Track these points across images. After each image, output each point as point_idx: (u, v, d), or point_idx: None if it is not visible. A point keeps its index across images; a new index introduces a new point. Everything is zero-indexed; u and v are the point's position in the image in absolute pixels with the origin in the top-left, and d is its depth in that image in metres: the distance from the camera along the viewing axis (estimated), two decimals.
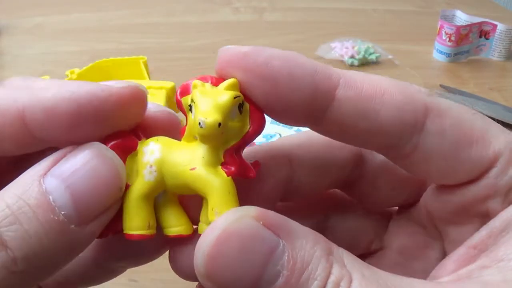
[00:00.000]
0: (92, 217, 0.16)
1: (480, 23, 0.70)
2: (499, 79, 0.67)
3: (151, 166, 0.17)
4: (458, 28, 0.67)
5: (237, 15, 0.87)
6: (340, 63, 0.68)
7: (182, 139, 0.18)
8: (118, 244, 0.20)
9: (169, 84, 0.44)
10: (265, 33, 0.79)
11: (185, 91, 0.17)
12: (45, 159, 0.16)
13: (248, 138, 0.17)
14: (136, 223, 0.17)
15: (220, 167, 0.17)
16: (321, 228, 0.23)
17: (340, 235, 0.23)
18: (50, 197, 0.15)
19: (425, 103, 0.17)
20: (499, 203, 0.18)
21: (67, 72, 0.53)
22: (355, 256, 0.16)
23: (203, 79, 0.17)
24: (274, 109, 0.17)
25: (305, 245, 0.15)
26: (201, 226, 0.18)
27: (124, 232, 0.18)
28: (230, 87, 0.16)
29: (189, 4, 0.92)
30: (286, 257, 0.15)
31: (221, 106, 0.16)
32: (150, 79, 0.53)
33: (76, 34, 0.78)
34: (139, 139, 0.18)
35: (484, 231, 0.18)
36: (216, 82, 0.17)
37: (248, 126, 0.17)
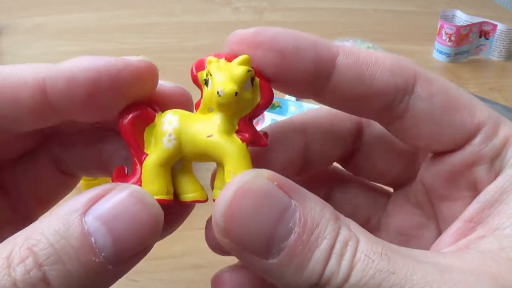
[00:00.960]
0: (129, 259, 0.16)
1: (480, 23, 0.70)
2: (499, 79, 0.67)
3: (170, 135, 0.18)
4: (458, 28, 0.67)
5: (237, 15, 0.87)
6: None
7: (197, 112, 0.19)
8: None
9: None
10: None
11: (200, 66, 0.19)
12: (81, 195, 0.16)
13: (259, 109, 0.19)
14: (155, 188, 0.18)
15: (235, 134, 0.18)
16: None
17: (340, 210, 0.24)
18: (92, 238, 0.15)
19: (415, 69, 0.19)
20: (486, 171, 0.19)
21: None
22: (359, 225, 0.17)
23: (217, 55, 0.18)
24: (282, 80, 0.19)
25: (315, 207, 0.16)
26: (215, 192, 0.19)
27: None
28: (243, 63, 0.18)
29: (189, 4, 0.92)
30: (297, 216, 0.16)
31: (237, 77, 0.17)
32: None
33: (76, 34, 0.78)
34: (156, 112, 0.19)
35: (477, 205, 0.19)
36: (230, 58, 0.18)
37: (259, 99, 0.19)
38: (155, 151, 0.18)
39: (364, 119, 0.22)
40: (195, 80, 0.19)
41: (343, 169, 0.25)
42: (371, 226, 0.24)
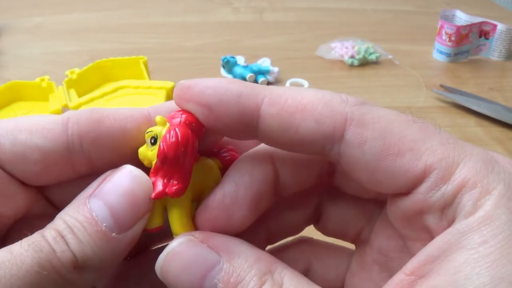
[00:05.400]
0: (129, 225, 0.19)
1: (480, 23, 0.70)
2: (499, 79, 0.67)
3: None
4: (458, 28, 0.67)
5: (237, 15, 0.87)
6: (340, 63, 0.68)
7: None
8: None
9: (169, 84, 0.44)
10: (265, 33, 0.79)
11: None
12: (91, 184, 0.20)
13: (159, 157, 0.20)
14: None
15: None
16: (317, 214, 0.24)
17: (333, 221, 0.24)
18: (94, 213, 0.19)
19: (346, 114, 0.18)
20: (436, 219, 0.18)
21: (67, 72, 0.53)
22: (301, 278, 0.18)
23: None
24: (216, 129, 0.20)
25: (243, 264, 0.18)
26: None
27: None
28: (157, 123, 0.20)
29: (189, 4, 0.92)
30: (223, 273, 0.18)
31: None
32: (150, 79, 0.53)
33: (76, 34, 0.78)
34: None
35: (420, 258, 0.17)
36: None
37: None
38: None
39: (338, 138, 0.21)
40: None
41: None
42: (362, 238, 0.23)
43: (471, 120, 0.56)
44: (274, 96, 0.19)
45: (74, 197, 0.21)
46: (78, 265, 0.18)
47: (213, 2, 0.93)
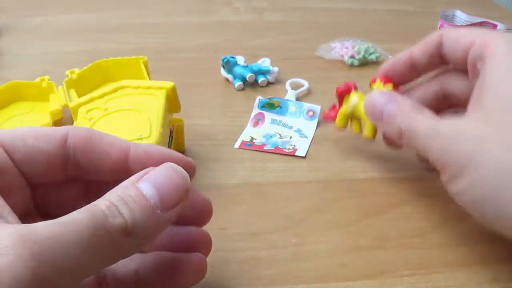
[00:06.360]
0: (170, 206, 0.23)
1: (480, 23, 0.70)
2: None
3: (351, 106, 0.44)
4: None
5: (237, 15, 0.87)
6: (340, 63, 0.68)
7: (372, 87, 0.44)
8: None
9: (169, 84, 0.44)
10: (265, 33, 0.79)
11: (348, 89, 0.45)
12: (133, 176, 0.23)
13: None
14: (341, 123, 0.45)
15: None
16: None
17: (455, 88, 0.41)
18: (143, 191, 0.22)
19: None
20: (481, 64, 0.34)
21: (67, 72, 0.53)
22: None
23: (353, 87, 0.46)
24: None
25: (406, 102, 0.37)
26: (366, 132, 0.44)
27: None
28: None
29: (189, 4, 0.92)
30: (394, 103, 0.37)
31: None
32: (150, 79, 0.53)
33: (76, 34, 0.78)
34: (355, 88, 0.44)
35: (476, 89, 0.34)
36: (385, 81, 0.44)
37: None
38: (345, 109, 0.44)
39: None
40: (340, 94, 0.46)
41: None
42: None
43: None
44: (451, 29, 0.33)
45: (61, 197, 0.26)
46: (128, 231, 0.21)
47: (213, 2, 0.93)
